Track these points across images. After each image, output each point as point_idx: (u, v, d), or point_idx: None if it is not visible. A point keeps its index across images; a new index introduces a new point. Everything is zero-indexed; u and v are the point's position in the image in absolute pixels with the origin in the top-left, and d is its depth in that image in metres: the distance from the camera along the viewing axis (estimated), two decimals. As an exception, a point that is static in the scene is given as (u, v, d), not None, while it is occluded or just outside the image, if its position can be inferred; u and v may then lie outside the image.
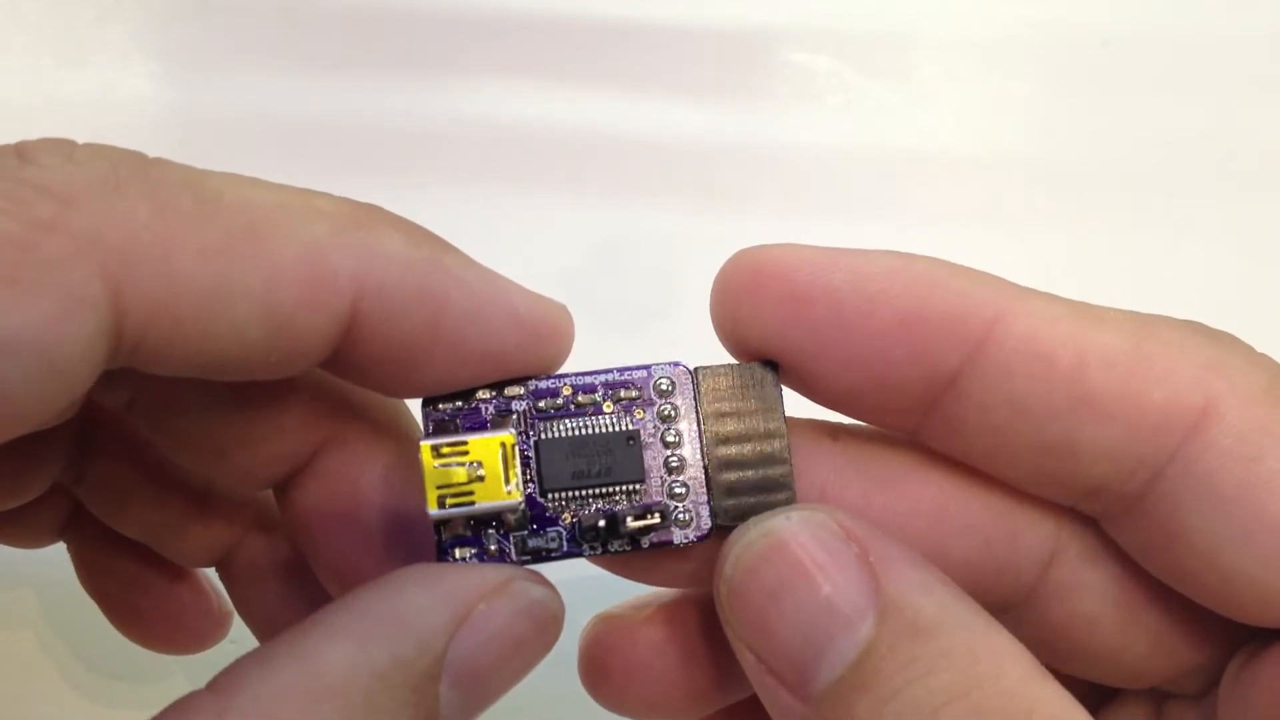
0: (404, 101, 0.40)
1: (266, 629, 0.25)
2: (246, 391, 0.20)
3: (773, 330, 0.19)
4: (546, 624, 0.18)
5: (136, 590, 0.27)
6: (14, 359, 0.14)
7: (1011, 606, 0.20)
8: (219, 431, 0.21)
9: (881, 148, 0.41)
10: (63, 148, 0.16)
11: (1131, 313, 0.19)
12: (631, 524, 0.19)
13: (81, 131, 0.42)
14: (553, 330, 0.19)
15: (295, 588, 0.24)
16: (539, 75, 0.41)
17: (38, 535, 0.26)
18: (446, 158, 0.40)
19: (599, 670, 0.21)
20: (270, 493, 0.22)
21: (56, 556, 0.27)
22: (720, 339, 0.20)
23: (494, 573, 0.18)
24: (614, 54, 0.42)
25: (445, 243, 0.19)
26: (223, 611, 0.27)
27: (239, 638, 0.31)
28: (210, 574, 0.27)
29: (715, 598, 0.18)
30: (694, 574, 0.20)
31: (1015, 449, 0.19)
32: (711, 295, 0.19)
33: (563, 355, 0.19)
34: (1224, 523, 0.17)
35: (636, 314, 0.37)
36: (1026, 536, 0.20)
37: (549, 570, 0.19)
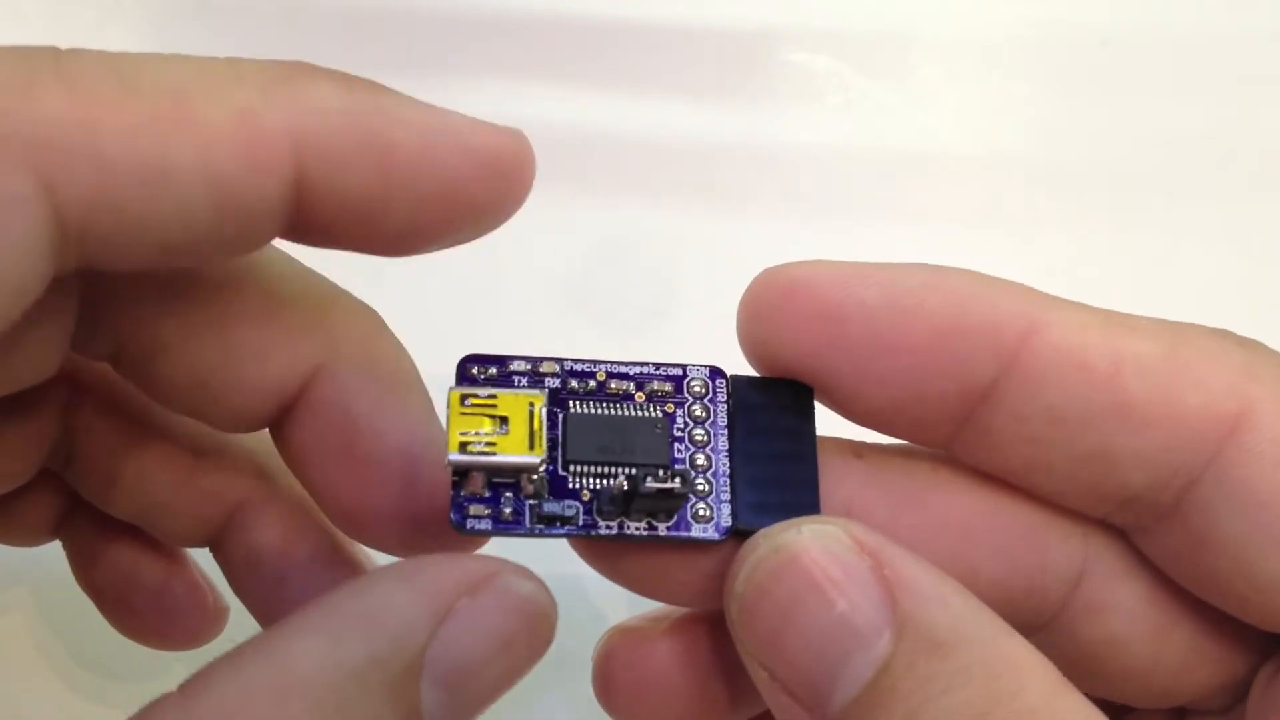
0: (404, 101, 0.40)
1: (263, 609, 0.24)
2: (227, 319, 0.20)
3: (805, 350, 0.19)
4: (535, 620, 0.18)
5: (131, 585, 0.27)
6: None
7: (1039, 627, 0.20)
8: (205, 365, 0.20)
9: (881, 148, 0.41)
10: None
11: (1163, 320, 0.19)
12: (651, 484, 0.18)
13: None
14: (512, 157, 0.18)
15: (291, 565, 0.24)
16: (539, 75, 0.41)
17: (32, 531, 0.26)
18: (446, 158, 0.40)
19: (612, 683, 0.21)
20: (257, 461, 0.22)
21: (53, 554, 0.27)
22: (748, 359, 0.20)
23: (477, 565, 0.18)
24: (614, 54, 0.42)
25: (382, 86, 0.18)
26: (218, 607, 0.27)
27: (239, 637, 0.31)
28: (207, 572, 0.27)
29: (726, 614, 0.18)
30: (702, 591, 0.20)
31: (1051, 459, 0.18)
32: (739, 315, 0.19)
33: (525, 186, 0.19)
34: (1259, 529, 0.17)
35: (636, 314, 0.37)
36: (1055, 554, 0.19)
37: (542, 570, 0.19)
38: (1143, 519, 0.19)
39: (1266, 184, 0.40)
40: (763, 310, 0.19)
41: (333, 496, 0.21)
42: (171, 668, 0.31)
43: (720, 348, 0.36)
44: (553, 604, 0.18)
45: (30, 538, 0.26)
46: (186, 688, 0.16)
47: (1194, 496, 0.18)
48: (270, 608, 0.24)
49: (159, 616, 0.27)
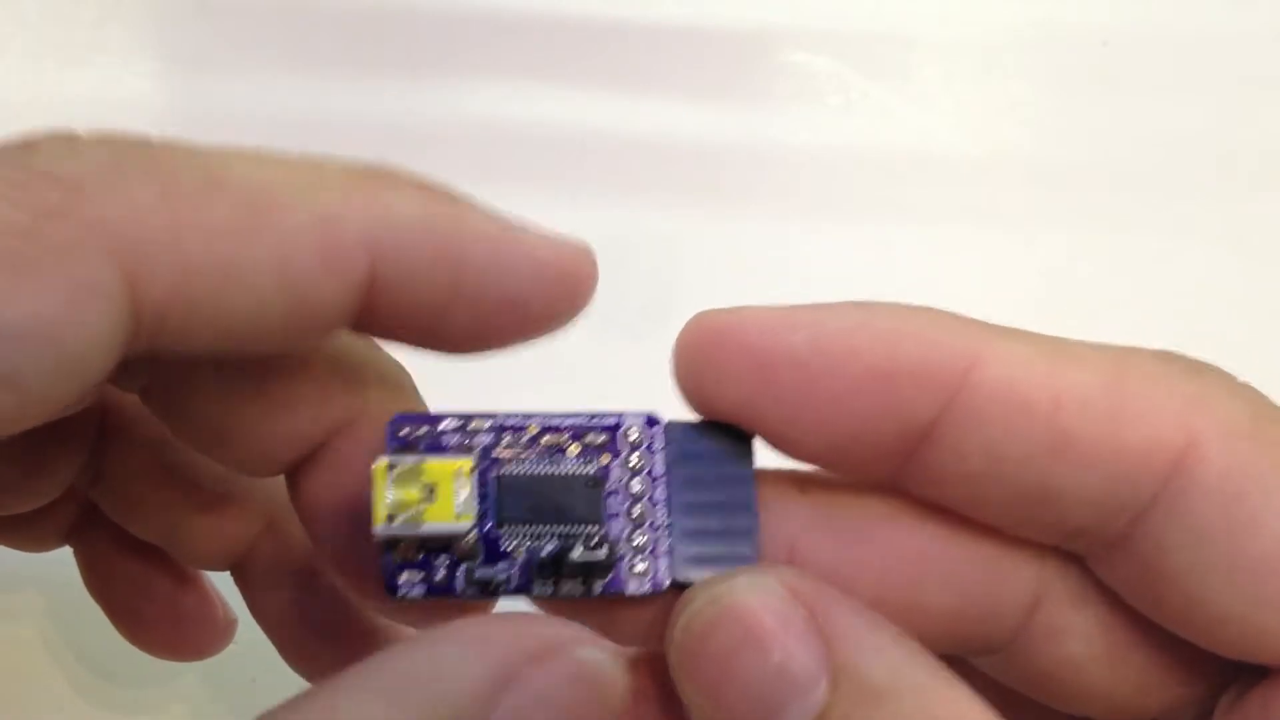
0: (404, 101, 0.40)
1: (281, 633, 0.24)
2: (260, 369, 0.20)
3: (738, 398, 0.18)
4: (605, 692, 0.17)
5: (142, 596, 0.27)
6: (23, 348, 0.14)
7: (995, 649, 0.20)
8: (233, 411, 0.20)
9: (881, 148, 0.41)
10: (67, 137, 0.16)
11: (1109, 348, 0.18)
12: (579, 555, 0.18)
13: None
14: (575, 275, 0.19)
15: (309, 591, 0.24)
16: (539, 75, 0.41)
17: (44, 539, 0.26)
18: (446, 158, 0.40)
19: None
20: (284, 493, 0.22)
21: (64, 557, 0.27)
22: (686, 405, 0.19)
23: (546, 631, 0.17)
24: (614, 54, 0.42)
25: (459, 195, 0.18)
26: (227, 619, 0.27)
27: (240, 639, 0.31)
28: (215, 581, 0.27)
29: (668, 661, 0.18)
30: (650, 630, 0.20)
31: (994, 495, 0.18)
32: (673, 362, 0.19)
33: (586, 299, 0.19)
34: (1208, 563, 0.17)
35: (636, 314, 0.37)
36: (1009, 581, 0.19)
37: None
38: (1093, 548, 0.19)
39: (1266, 184, 0.40)
40: (694, 358, 0.19)
41: (333, 551, 0.21)
42: (183, 674, 0.31)
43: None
44: (621, 672, 0.18)
45: (41, 544, 0.26)
46: None
47: (1143, 529, 0.18)
48: (287, 632, 0.24)
49: (168, 627, 0.27)
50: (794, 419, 0.18)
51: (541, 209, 0.43)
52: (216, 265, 0.16)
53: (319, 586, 0.24)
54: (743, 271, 0.38)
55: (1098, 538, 0.18)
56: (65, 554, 0.27)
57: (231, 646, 0.28)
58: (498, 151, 0.40)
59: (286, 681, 0.24)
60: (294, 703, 0.16)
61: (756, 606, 0.17)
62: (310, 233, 0.16)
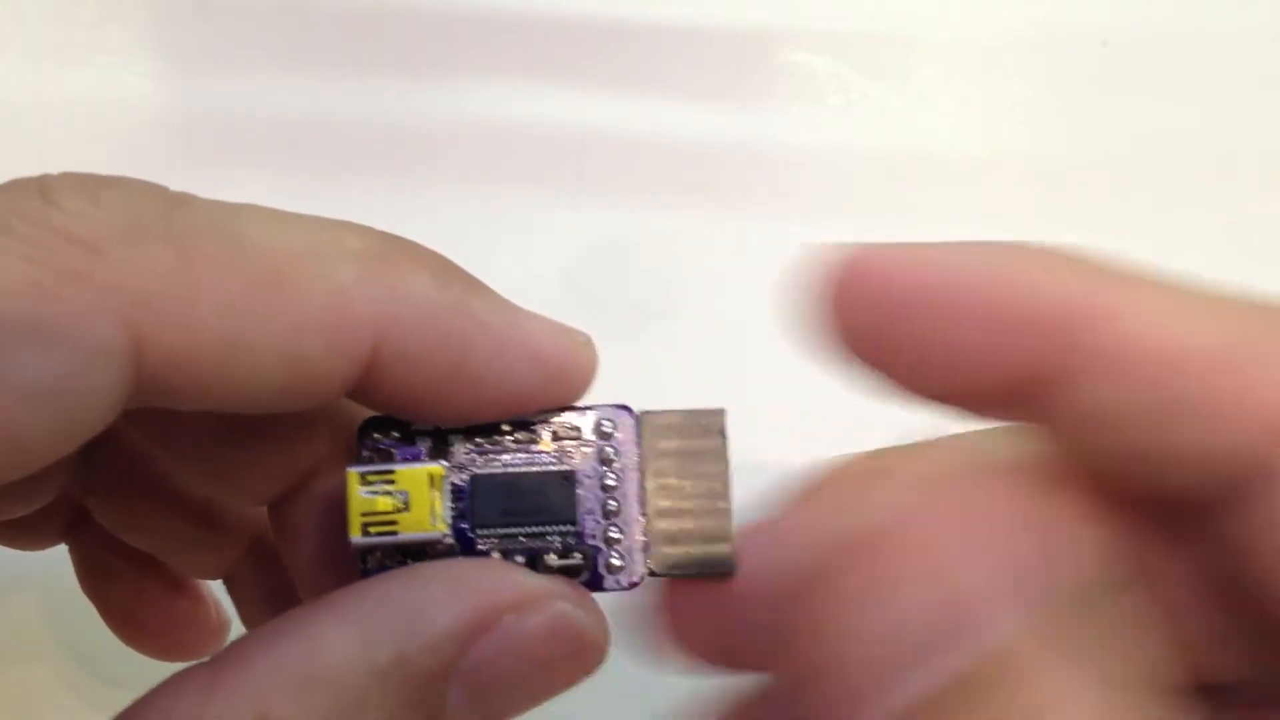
0: (404, 101, 0.40)
1: None
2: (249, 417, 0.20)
3: (862, 339, 0.18)
4: (584, 650, 0.18)
5: (137, 597, 0.27)
6: (34, 407, 0.14)
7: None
8: (218, 451, 0.20)
9: (882, 148, 0.41)
10: (87, 188, 0.16)
11: (1243, 303, 0.18)
12: (554, 561, 0.18)
13: (81, 131, 0.42)
14: (575, 368, 0.19)
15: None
16: (539, 75, 0.41)
17: (40, 538, 0.26)
18: (446, 158, 0.40)
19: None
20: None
21: (59, 556, 0.27)
22: (830, 343, 0.19)
23: (531, 582, 0.17)
24: (614, 54, 0.42)
25: (473, 281, 0.18)
26: (221, 620, 0.27)
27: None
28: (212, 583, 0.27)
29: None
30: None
31: (1115, 449, 0.17)
32: (822, 300, 0.18)
33: (584, 389, 0.19)
34: None
35: (636, 314, 0.37)
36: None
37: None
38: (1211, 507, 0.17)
39: (1267, 184, 0.40)
40: (835, 298, 0.18)
41: (311, 583, 0.21)
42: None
43: (720, 348, 0.36)
44: (606, 635, 0.18)
45: (38, 543, 0.26)
46: (219, 660, 0.16)
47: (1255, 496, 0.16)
48: None
49: (163, 630, 0.27)
50: (923, 360, 0.17)
51: (541, 209, 0.43)
52: (224, 334, 0.16)
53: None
54: (743, 271, 0.38)
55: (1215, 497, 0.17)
56: (62, 554, 0.27)
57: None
58: (498, 151, 0.40)
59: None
60: (276, 624, 0.16)
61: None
62: (321, 312, 0.16)
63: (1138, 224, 0.39)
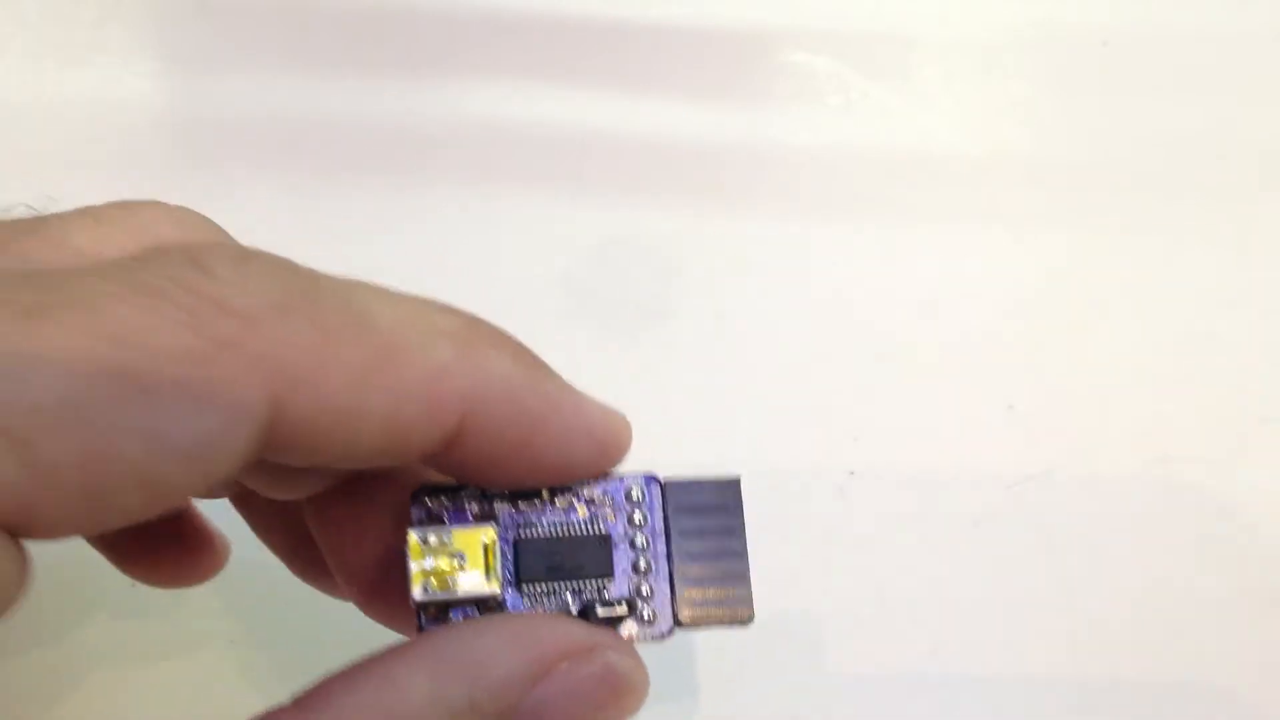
0: (404, 101, 0.40)
1: (288, 554, 0.26)
2: None
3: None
4: (625, 696, 0.19)
5: (138, 529, 0.27)
6: (179, 462, 0.16)
7: None
8: (280, 469, 0.22)
9: (882, 148, 0.41)
10: (235, 260, 0.17)
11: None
12: (601, 612, 0.20)
13: (81, 131, 0.42)
14: (618, 444, 0.21)
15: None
16: (539, 75, 0.41)
17: None
18: (446, 158, 0.40)
19: None
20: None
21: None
22: None
23: (582, 634, 0.19)
24: (614, 54, 0.42)
25: (543, 364, 0.20)
26: (222, 544, 0.28)
27: (239, 639, 0.31)
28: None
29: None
30: None
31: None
32: None
33: (620, 462, 0.21)
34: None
35: (636, 314, 0.37)
36: None
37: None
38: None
39: (1267, 184, 0.40)
40: None
41: (342, 564, 0.23)
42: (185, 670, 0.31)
43: (720, 347, 0.36)
44: (645, 681, 0.20)
45: None
46: (302, 702, 0.17)
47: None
48: (294, 553, 0.25)
49: (162, 556, 0.27)
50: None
51: (541, 209, 0.43)
52: (344, 403, 0.17)
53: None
54: (743, 271, 0.38)
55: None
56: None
57: (227, 643, 0.28)
58: (498, 151, 0.40)
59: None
60: (354, 669, 0.18)
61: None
62: (425, 384, 0.18)
63: (1138, 224, 0.39)
